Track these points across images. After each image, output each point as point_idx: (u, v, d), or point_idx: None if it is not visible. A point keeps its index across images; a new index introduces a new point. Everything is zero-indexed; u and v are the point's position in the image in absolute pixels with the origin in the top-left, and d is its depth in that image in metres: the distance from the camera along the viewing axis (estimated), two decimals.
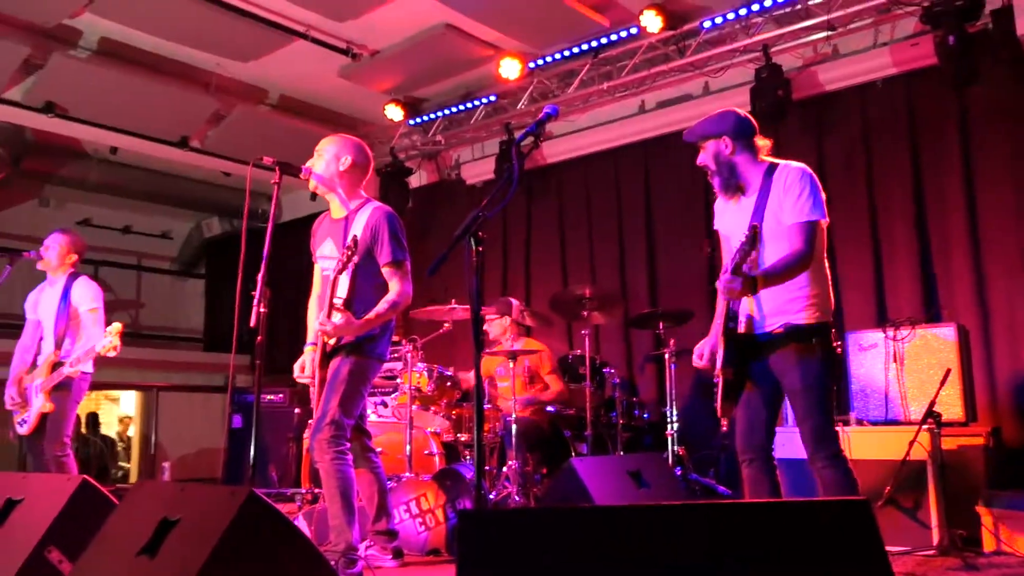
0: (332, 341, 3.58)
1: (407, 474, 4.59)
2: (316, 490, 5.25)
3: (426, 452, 5.16)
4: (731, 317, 3.15)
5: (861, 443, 4.34)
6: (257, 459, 6.95)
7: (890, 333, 4.64)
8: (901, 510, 4.10)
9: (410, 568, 3.92)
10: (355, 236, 3.51)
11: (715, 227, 3.43)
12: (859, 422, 4.57)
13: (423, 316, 5.66)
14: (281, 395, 7.44)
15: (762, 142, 3.25)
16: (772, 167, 3.18)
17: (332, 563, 3.09)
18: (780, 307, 3.08)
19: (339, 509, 3.49)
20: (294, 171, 3.58)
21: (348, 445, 3.56)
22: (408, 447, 4.74)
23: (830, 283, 3.18)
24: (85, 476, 3.04)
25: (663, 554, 1.66)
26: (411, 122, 7.56)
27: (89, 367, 4.73)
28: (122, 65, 6.71)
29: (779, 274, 3.04)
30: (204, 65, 6.92)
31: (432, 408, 5.25)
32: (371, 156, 3.90)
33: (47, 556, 2.83)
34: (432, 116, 7.49)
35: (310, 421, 3.69)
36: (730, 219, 3.30)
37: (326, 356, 3.60)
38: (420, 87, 7.29)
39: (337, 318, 3.49)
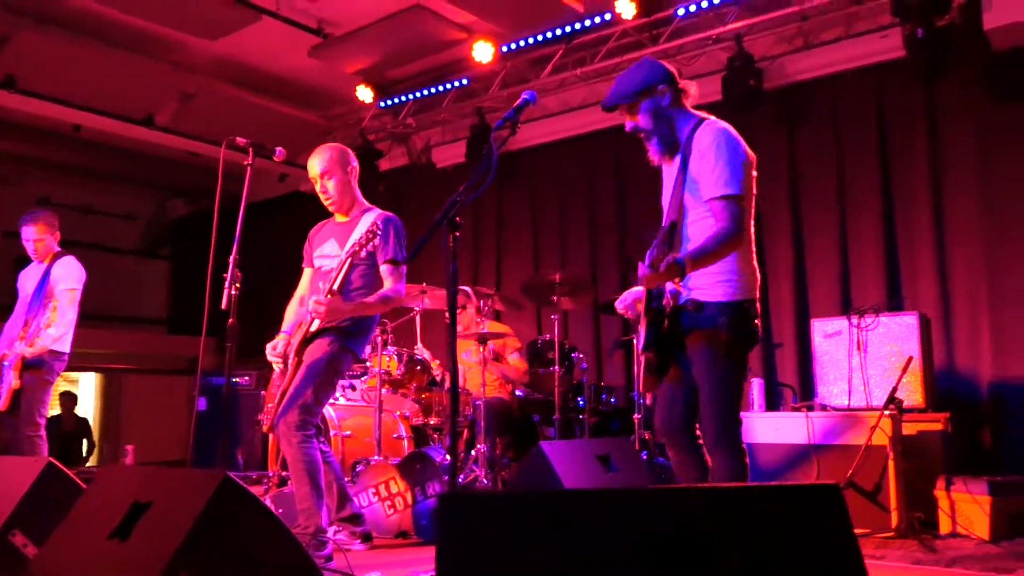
0: (315, 325, 3.60)
1: (376, 457, 4.58)
2: (283, 473, 5.22)
3: (395, 435, 5.16)
4: (653, 296, 2.89)
5: (825, 428, 4.42)
6: (224, 442, 6.93)
7: (854, 320, 4.72)
8: (862, 493, 4.19)
9: (379, 551, 3.92)
10: (376, 224, 3.57)
11: (662, 202, 3.07)
12: (823, 408, 4.65)
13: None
14: (247, 378, 7.38)
15: (691, 88, 2.92)
16: (699, 122, 2.89)
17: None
18: (694, 282, 2.82)
19: (307, 492, 3.50)
20: (267, 153, 3.54)
21: (314, 430, 3.59)
22: (377, 430, 4.73)
23: (754, 258, 2.88)
24: (51, 459, 2.99)
25: (635, 537, 1.68)
26: (382, 104, 7.50)
27: (65, 347, 4.75)
28: (87, 41, 6.58)
29: (708, 255, 2.72)
30: (171, 42, 6.80)
31: (401, 391, 5.25)
32: None
33: (11, 540, 2.79)
34: (403, 98, 7.44)
35: (269, 406, 3.70)
36: (665, 188, 3.00)
37: (305, 342, 3.64)
38: (391, 68, 7.22)
39: (313, 299, 3.52)
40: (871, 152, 5.74)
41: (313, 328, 3.63)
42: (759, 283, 2.91)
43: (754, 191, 2.90)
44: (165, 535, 1.98)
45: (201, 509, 1.96)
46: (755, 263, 2.91)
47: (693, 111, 2.96)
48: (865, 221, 5.71)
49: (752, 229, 2.91)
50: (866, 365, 4.64)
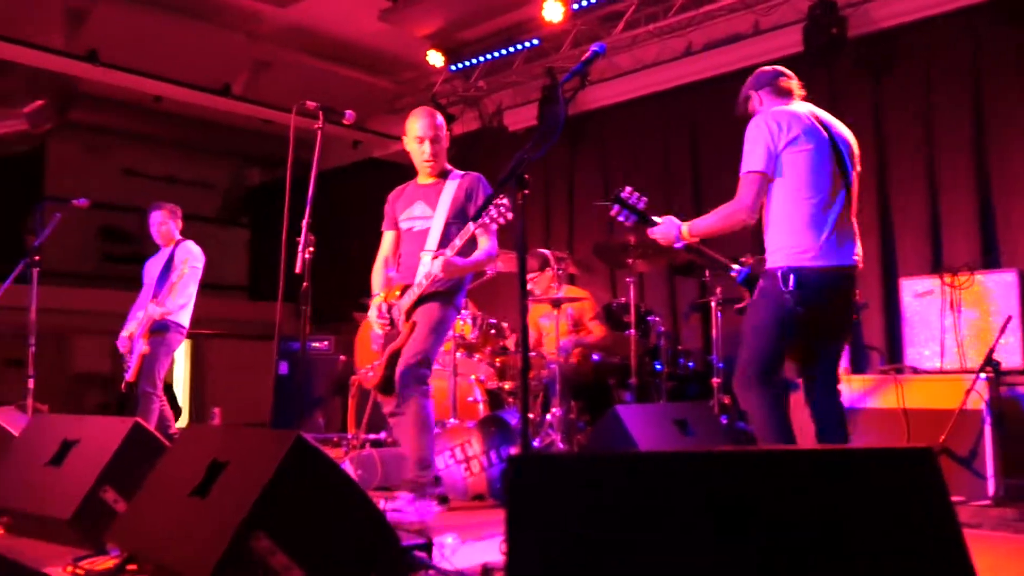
0: (431, 287, 3.72)
1: (452, 420, 4.61)
2: (364, 435, 5.32)
3: (470, 399, 5.17)
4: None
5: (915, 392, 4.24)
6: (304, 405, 7.09)
7: (947, 279, 4.50)
8: (956, 460, 4.01)
9: (455, 513, 3.95)
10: (474, 184, 3.85)
11: None
12: (913, 370, 4.46)
13: None
14: (326, 343, 7.52)
15: (791, 83, 3.28)
16: None
17: (411, 494, 3.49)
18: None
19: (425, 443, 3.67)
20: (337, 116, 3.55)
21: (428, 386, 3.73)
22: (452, 394, 4.75)
23: (804, 226, 3.12)
24: (137, 419, 3.09)
25: (706, 501, 1.61)
26: (452, 67, 7.43)
27: (185, 321, 5.21)
28: (164, 12, 6.70)
29: (707, 226, 3.27)
30: (244, 11, 6.87)
31: (476, 355, 5.25)
32: None
33: (103, 496, 2.90)
34: (473, 61, 7.36)
35: (366, 368, 3.89)
36: None
37: (415, 304, 3.77)
38: (461, 31, 7.15)
39: (441, 262, 3.65)
40: (963, 100, 5.41)
41: (427, 291, 3.73)
42: (812, 252, 3.07)
43: (804, 163, 3.10)
44: (242, 493, 2.01)
45: (275, 468, 1.98)
46: (808, 232, 3.09)
47: (786, 106, 3.21)
48: (957, 173, 5.40)
49: (808, 196, 3.11)
50: (960, 325, 4.42)
